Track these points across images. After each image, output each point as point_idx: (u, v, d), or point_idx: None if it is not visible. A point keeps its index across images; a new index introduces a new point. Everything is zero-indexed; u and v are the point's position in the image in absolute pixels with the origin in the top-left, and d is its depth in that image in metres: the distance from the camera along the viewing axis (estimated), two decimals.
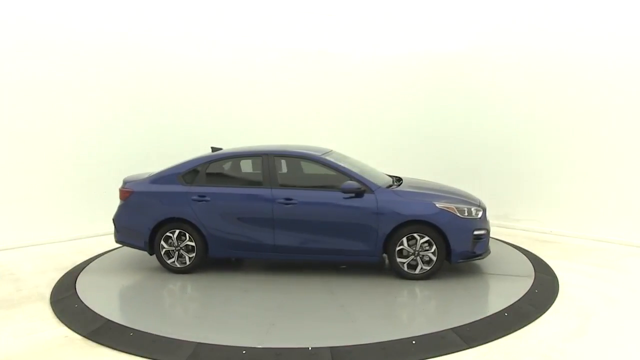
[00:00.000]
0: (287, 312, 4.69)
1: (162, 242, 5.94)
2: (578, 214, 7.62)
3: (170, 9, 8.91)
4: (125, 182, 6.44)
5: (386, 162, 9.12)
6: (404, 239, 5.44)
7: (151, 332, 4.27)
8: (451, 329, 4.20)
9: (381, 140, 10.23)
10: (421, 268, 5.47)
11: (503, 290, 5.14)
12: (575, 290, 5.19)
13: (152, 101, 8.72)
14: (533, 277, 5.53)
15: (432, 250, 5.42)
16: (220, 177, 6.11)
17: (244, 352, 3.88)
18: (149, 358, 3.88)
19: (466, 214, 5.52)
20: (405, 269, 5.50)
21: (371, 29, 10.55)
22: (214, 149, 6.67)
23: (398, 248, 5.46)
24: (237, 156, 6.25)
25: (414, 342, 4.00)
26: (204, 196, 5.85)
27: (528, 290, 5.11)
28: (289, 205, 5.61)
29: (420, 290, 5.23)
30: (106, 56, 8.21)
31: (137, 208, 6.17)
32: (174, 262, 5.95)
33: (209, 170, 6.06)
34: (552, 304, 4.81)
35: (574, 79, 7.57)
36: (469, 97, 8.91)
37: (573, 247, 6.99)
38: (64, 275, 5.97)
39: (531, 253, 6.60)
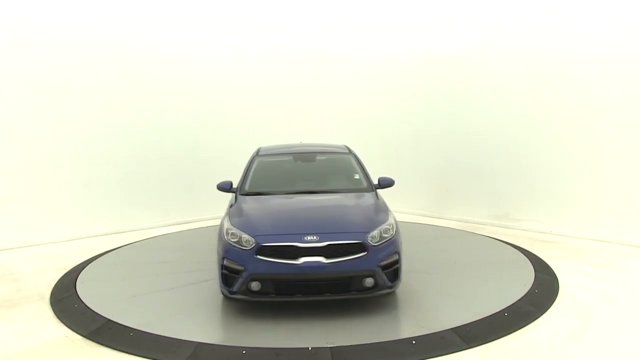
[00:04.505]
0: (288, 312, 4.69)
1: None
2: (578, 214, 7.62)
3: (170, 10, 8.91)
4: None
5: (386, 162, 9.15)
6: None
7: (151, 332, 4.26)
8: (451, 329, 4.20)
9: (381, 140, 10.24)
10: None
11: (503, 290, 5.13)
12: (575, 290, 5.18)
13: (152, 101, 8.73)
14: (533, 277, 5.52)
15: None
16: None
17: (244, 352, 3.88)
18: (149, 358, 3.88)
19: (232, 238, 4.61)
20: None
21: (371, 29, 10.56)
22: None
23: None
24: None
25: (414, 342, 4.00)
26: None
27: (528, 290, 5.10)
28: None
29: (419, 291, 5.23)
30: (107, 57, 8.22)
31: None
32: None
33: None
34: (552, 304, 4.81)
35: (574, 79, 7.58)
36: (469, 97, 8.90)
37: (573, 247, 6.98)
38: (64, 275, 5.96)
39: (531, 253, 6.60)
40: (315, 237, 4.45)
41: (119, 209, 8.41)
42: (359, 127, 10.45)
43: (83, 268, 6.22)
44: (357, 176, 5.98)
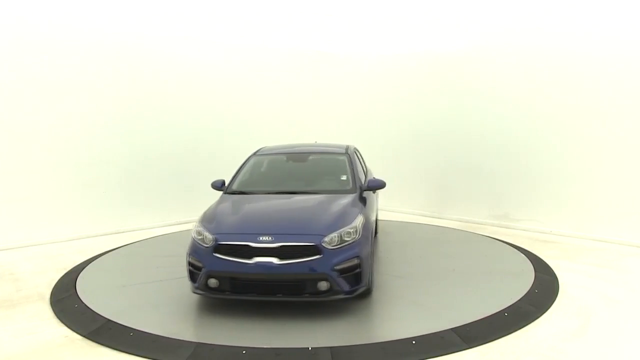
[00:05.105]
0: (287, 312, 4.69)
1: None
2: (578, 214, 7.62)
3: (171, 9, 8.91)
4: None
5: (386, 161, 9.15)
6: None
7: (151, 332, 4.27)
8: (451, 329, 4.20)
9: (381, 140, 10.23)
10: None
11: (503, 290, 5.13)
12: (575, 290, 5.19)
13: (152, 101, 8.73)
14: (533, 277, 5.52)
15: None
16: None
17: (244, 352, 3.88)
18: (149, 358, 3.88)
19: (197, 236, 4.82)
20: None
21: (371, 29, 10.56)
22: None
23: None
24: None
25: (414, 342, 4.00)
26: None
27: (528, 290, 5.10)
28: None
29: (420, 291, 5.23)
30: (107, 56, 8.22)
31: None
32: None
33: None
34: (552, 304, 4.81)
35: (574, 79, 7.58)
36: (469, 97, 8.90)
37: (573, 247, 6.98)
38: (64, 275, 5.97)
39: (531, 253, 6.60)
40: (269, 238, 4.48)
41: (119, 209, 8.41)
42: (359, 127, 10.45)
43: (83, 268, 6.22)
44: (344, 177, 5.89)
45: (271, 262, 4.41)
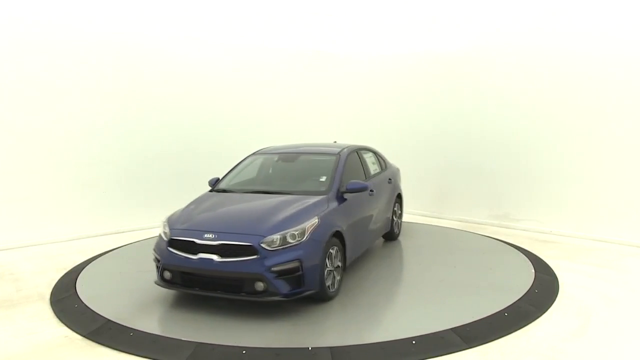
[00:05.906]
0: (287, 312, 4.69)
1: None
2: (578, 214, 7.62)
3: (171, 9, 8.91)
4: None
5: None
6: None
7: (151, 332, 4.27)
8: (451, 329, 4.20)
9: (381, 139, 10.22)
10: None
11: (503, 291, 5.13)
12: (575, 290, 5.19)
13: (152, 101, 8.72)
14: (533, 277, 5.52)
15: None
16: None
17: (244, 352, 3.88)
18: (149, 358, 3.88)
19: (163, 230, 5.04)
20: None
21: (371, 29, 10.56)
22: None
23: None
24: None
25: (414, 342, 4.00)
26: None
27: (528, 290, 5.10)
28: None
29: (418, 289, 5.24)
30: (107, 56, 8.22)
31: None
32: None
33: None
34: (552, 304, 4.81)
35: (574, 79, 7.58)
36: (469, 97, 8.91)
37: (573, 247, 6.98)
38: (64, 275, 5.97)
39: (531, 253, 6.60)
40: (212, 236, 4.64)
41: (119, 209, 8.41)
42: (359, 127, 10.45)
43: (83, 268, 6.22)
44: (323, 179, 5.78)
45: (211, 259, 4.58)
